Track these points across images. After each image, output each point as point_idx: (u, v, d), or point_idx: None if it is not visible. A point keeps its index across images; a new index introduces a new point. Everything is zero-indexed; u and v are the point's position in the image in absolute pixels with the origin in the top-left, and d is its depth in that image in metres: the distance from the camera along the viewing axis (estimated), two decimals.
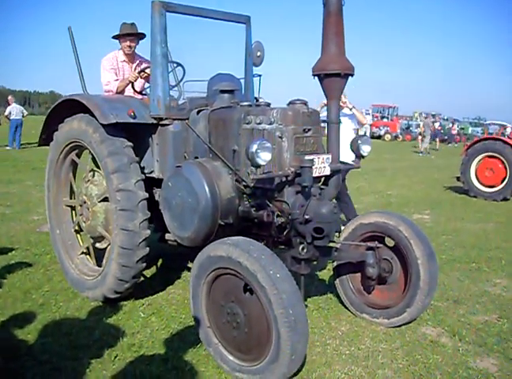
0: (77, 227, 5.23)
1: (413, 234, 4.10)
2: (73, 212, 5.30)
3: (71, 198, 5.29)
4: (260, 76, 5.40)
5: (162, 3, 4.37)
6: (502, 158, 11.89)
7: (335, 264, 4.61)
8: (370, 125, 37.75)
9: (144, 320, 4.47)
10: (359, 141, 4.27)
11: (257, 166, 3.64)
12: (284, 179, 3.95)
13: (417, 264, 4.05)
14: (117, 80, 5.32)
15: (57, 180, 5.19)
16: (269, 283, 3.06)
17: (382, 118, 44.92)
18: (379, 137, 40.16)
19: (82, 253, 5.22)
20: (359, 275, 4.52)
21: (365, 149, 4.29)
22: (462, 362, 3.85)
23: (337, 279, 4.65)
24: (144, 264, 4.60)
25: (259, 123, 4.03)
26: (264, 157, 3.61)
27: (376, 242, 4.25)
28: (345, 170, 5.13)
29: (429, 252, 4.11)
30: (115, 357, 3.78)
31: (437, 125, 36.06)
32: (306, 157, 3.84)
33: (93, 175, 4.85)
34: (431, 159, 25.18)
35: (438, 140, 33.17)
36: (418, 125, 36.16)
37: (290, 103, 4.09)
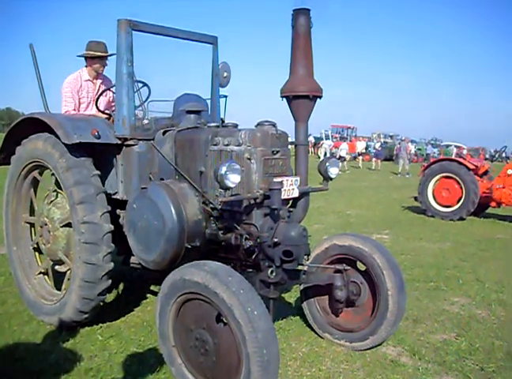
0: (35, 246, 5.03)
1: (386, 264, 4.07)
2: (33, 229, 5.11)
3: (31, 215, 5.08)
4: (226, 96, 5.38)
5: (128, 21, 4.30)
6: (457, 178, 12.14)
7: (302, 286, 4.55)
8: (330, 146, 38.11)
9: (102, 343, 4.34)
10: (327, 163, 4.26)
11: (226, 188, 3.57)
12: (252, 202, 3.89)
13: (387, 295, 4.04)
14: (74, 110, 5.22)
15: (17, 195, 4.98)
16: (245, 319, 2.94)
17: (341, 138, 45.52)
18: (339, 158, 40.57)
19: (40, 273, 5.01)
20: (326, 295, 4.47)
21: (333, 171, 4.29)
22: None
23: (304, 299, 4.60)
24: (106, 296, 4.50)
25: (227, 144, 3.98)
26: (233, 179, 3.55)
27: (344, 265, 4.21)
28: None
29: (400, 284, 4.10)
30: None
31: (377, 145, 36.54)
32: (275, 179, 3.80)
33: (56, 196, 4.68)
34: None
35: (377, 160, 32.88)
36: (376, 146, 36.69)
37: (258, 124, 4.06)
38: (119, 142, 4.46)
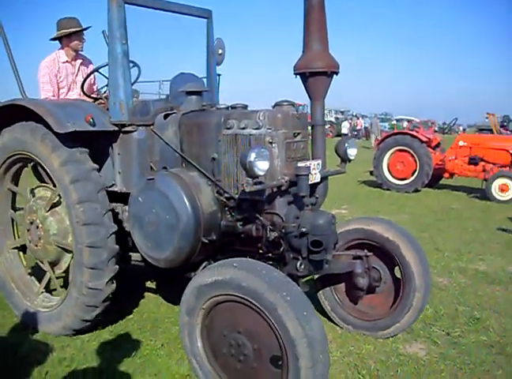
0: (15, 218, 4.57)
1: (420, 266, 3.91)
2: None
3: (16, 185, 4.55)
4: (219, 75, 5.00)
5: None
6: (411, 151, 12.34)
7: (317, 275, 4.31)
8: None
9: None
10: (346, 144, 4.00)
11: (255, 176, 3.23)
12: (275, 189, 3.58)
13: (413, 296, 3.92)
14: (53, 96, 4.71)
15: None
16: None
17: None
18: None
19: (15, 248, 4.56)
20: (343, 282, 4.32)
21: (351, 153, 4.02)
22: (393, 349, 4.01)
23: (320, 287, 4.41)
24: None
25: (244, 128, 3.62)
26: (262, 166, 3.21)
27: (365, 251, 4.00)
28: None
29: (428, 284, 4.00)
30: (46, 373, 3.59)
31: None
32: (299, 164, 3.51)
33: (58, 200, 4.10)
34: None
35: None
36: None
37: (276, 104, 3.73)
38: (116, 129, 4.01)
